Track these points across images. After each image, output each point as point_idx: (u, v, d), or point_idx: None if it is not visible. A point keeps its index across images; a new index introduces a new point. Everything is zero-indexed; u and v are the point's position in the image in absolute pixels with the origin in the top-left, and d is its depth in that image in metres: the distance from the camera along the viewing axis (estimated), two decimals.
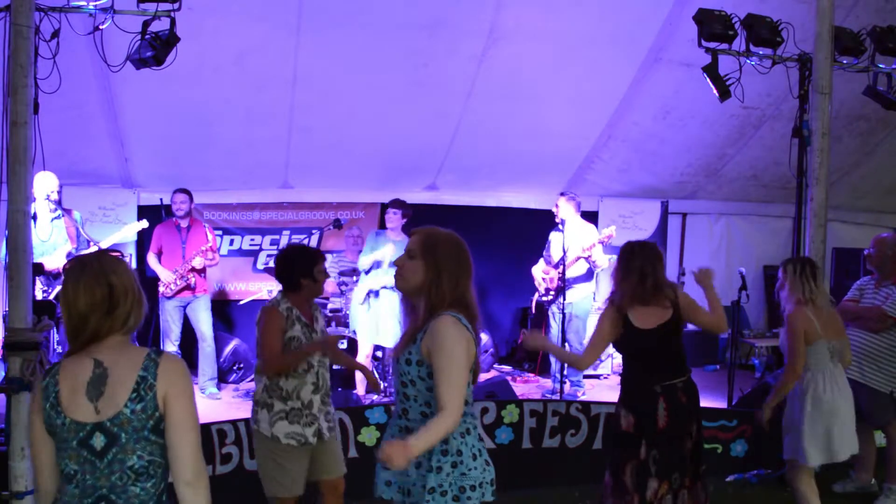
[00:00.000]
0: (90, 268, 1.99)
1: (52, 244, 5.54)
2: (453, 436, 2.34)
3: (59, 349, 5.57)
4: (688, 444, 3.40)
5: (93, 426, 1.93)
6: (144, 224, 6.27)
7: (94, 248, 5.57)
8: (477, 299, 2.48)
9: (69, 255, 5.52)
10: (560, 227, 6.39)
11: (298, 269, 3.43)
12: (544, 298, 6.68)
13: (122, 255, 6.04)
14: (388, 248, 6.09)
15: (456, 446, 2.35)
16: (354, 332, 6.36)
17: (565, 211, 6.39)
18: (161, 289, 6.30)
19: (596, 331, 3.50)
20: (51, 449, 1.98)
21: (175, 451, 1.96)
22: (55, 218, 5.58)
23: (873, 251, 4.61)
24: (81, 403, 1.93)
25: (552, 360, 6.71)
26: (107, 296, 1.96)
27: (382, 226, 7.61)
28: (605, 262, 6.46)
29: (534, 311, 7.52)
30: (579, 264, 6.45)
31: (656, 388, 3.37)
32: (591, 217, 7.83)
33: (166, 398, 1.95)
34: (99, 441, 1.92)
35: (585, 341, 6.72)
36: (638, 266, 3.40)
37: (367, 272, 6.23)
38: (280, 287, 3.51)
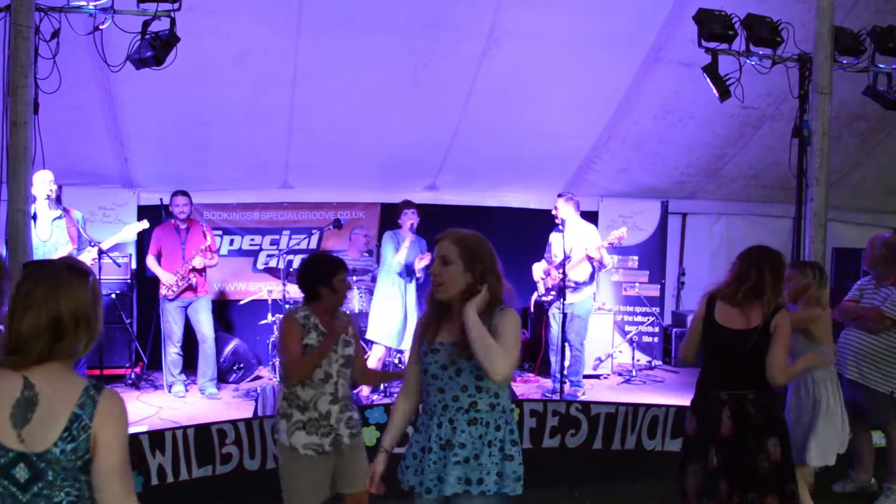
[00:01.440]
0: (42, 288, 1.77)
1: (52, 244, 5.54)
2: (515, 427, 2.55)
3: None
4: (763, 463, 3.24)
5: (16, 455, 1.73)
6: (145, 224, 6.28)
7: (94, 249, 5.58)
8: (511, 291, 2.62)
9: (70, 255, 5.52)
10: (560, 227, 6.39)
11: (317, 278, 3.38)
12: (544, 298, 6.68)
13: (96, 261, 5.94)
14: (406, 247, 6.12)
15: (517, 436, 2.55)
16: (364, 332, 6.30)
17: (565, 211, 6.38)
18: (163, 291, 6.30)
19: (692, 323, 3.50)
20: None
21: (102, 499, 1.78)
22: (56, 218, 5.58)
23: (867, 251, 4.63)
24: (3, 426, 1.72)
25: (552, 359, 6.71)
26: (53, 325, 1.75)
27: (382, 226, 7.62)
28: (610, 261, 6.48)
29: (532, 310, 7.52)
30: (583, 266, 6.45)
31: (722, 395, 3.30)
32: (591, 217, 7.83)
33: (99, 441, 1.76)
34: (22, 473, 1.73)
35: (587, 341, 6.80)
36: (744, 267, 3.39)
37: (400, 274, 6.23)
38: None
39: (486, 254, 2.55)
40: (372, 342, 6.28)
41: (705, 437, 3.30)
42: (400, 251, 6.14)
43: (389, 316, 6.19)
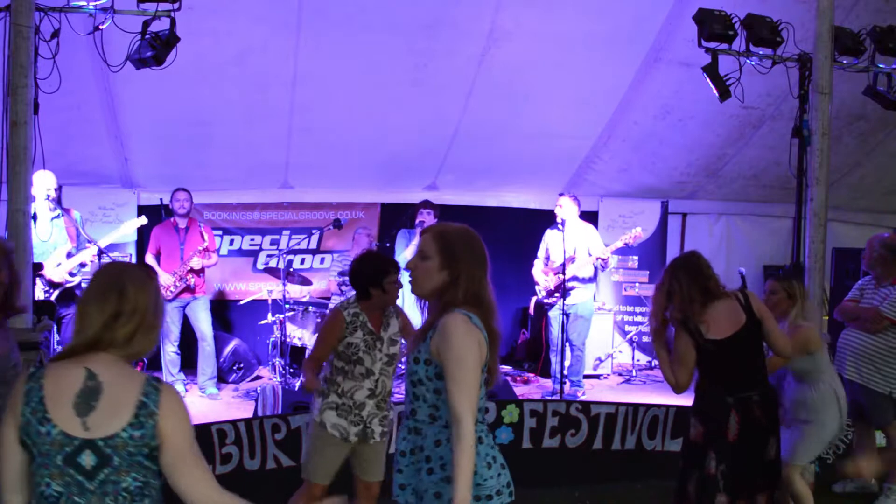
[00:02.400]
0: (111, 271, 1.94)
1: (52, 244, 5.54)
2: None
3: (60, 349, 5.57)
4: (760, 465, 3.28)
5: (82, 442, 1.78)
6: (143, 220, 6.26)
7: (93, 248, 5.58)
8: (493, 298, 2.36)
9: (69, 254, 5.52)
10: (559, 226, 6.39)
11: (367, 278, 3.42)
12: (547, 300, 6.66)
13: (125, 257, 6.05)
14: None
15: None
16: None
17: (568, 211, 6.38)
18: (162, 291, 6.29)
19: (677, 363, 3.33)
20: (20, 461, 1.80)
21: (184, 487, 1.85)
22: (55, 217, 5.58)
23: (866, 251, 4.63)
24: (67, 415, 1.78)
25: (552, 360, 6.71)
26: (116, 306, 1.84)
27: (382, 226, 7.63)
28: (613, 261, 6.53)
29: (532, 311, 7.52)
30: (588, 266, 6.45)
31: (728, 399, 3.26)
32: (591, 217, 7.83)
33: (166, 432, 1.83)
34: (89, 460, 1.78)
35: (587, 341, 6.80)
36: (675, 282, 3.39)
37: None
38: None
39: (467, 252, 2.32)
40: None
41: (709, 443, 3.26)
42: (409, 248, 6.17)
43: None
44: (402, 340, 3.56)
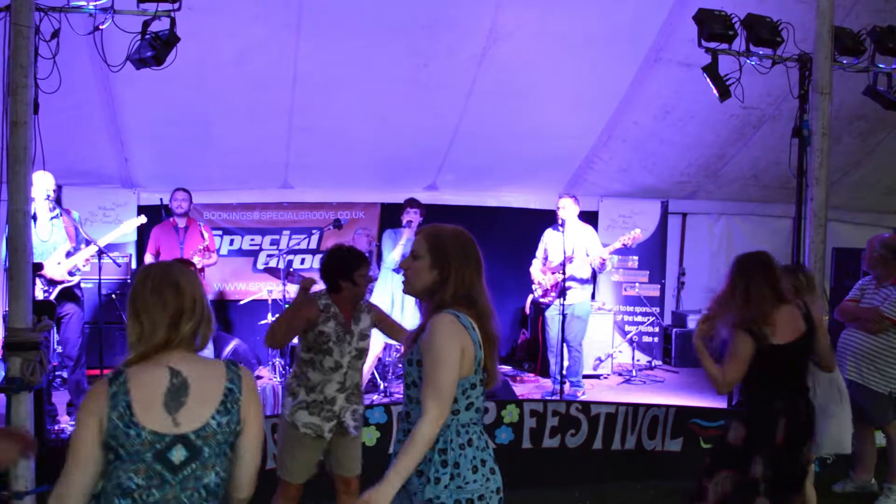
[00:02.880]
0: (159, 271, 1.95)
1: (51, 244, 5.53)
2: (451, 447, 2.25)
3: (60, 349, 5.57)
4: (798, 468, 3.29)
5: (173, 438, 1.83)
6: (143, 219, 6.25)
7: (93, 248, 5.57)
8: (488, 299, 2.37)
9: (68, 253, 5.52)
10: (560, 227, 6.39)
11: (338, 272, 3.46)
12: (543, 300, 6.67)
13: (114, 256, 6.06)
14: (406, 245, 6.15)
15: (454, 458, 2.25)
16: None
17: (570, 212, 6.38)
18: None
19: (732, 361, 3.21)
20: (96, 469, 1.82)
21: (244, 472, 1.93)
22: (54, 217, 5.57)
23: (866, 251, 4.63)
24: (158, 414, 1.82)
25: (551, 360, 6.71)
26: (177, 305, 1.89)
27: (382, 226, 7.62)
28: (610, 263, 6.53)
29: (528, 310, 7.53)
30: (586, 266, 6.45)
31: (778, 403, 3.23)
32: (591, 217, 7.84)
33: (247, 415, 1.91)
34: (179, 454, 1.83)
35: (587, 342, 6.80)
36: (759, 281, 3.25)
37: (396, 270, 6.22)
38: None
39: (458, 253, 2.32)
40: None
41: (752, 447, 3.20)
42: (396, 248, 6.13)
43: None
44: (368, 336, 3.55)
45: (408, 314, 6.11)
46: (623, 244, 6.47)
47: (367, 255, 3.70)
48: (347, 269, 3.45)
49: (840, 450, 3.76)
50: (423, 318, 2.37)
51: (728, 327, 3.25)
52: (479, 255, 2.39)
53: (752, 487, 3.17)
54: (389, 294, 6.24)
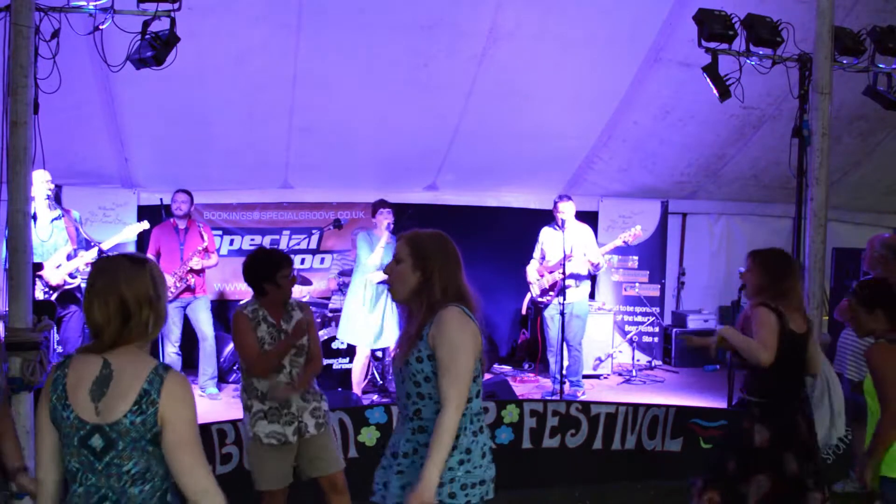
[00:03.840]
0: (103, 279, 1.99)
1: (52, 245, 5.54)
2: (465, 433, 2.33)
3: (60, 349, 5.57)
4: (819, 460, 3.36)
5: (92, 427, 1.93)
6: (145, 225, 6.27)
7: (94, 250, 5.58)
8: (475, 292, 2.47)
9: (69, 256, 5.53)
10: (559, 226, 6.42)
11: (261, 274, 3.46)
12: (541, 299, 6.67)
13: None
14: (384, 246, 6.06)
15: (466, 444, 2.34)
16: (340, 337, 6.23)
17: (570, 213, 6.39)
18: None
19: (766, 330, 3.20)
20: (53, 441, 1.99)
21: (175, 471, 1.96)
22: (55, 219, 5.58)
23: (866, 251, 4.63)
24: (83, 401, 1.94)
25: (551, 360, 6.71)
26: (120, 308, 1.96)
27: None
28: (605, 263, 6.53)
29: (525, 311, 7.54)
30: (584, 264, 6.46)
31: (794, 402, 3.30)
32: (591, 217, 7.84)
33: (166, 417, 1.94)
34: (97, 442, 1.93)
35: (587, 341, 6.80)
36: (792, 272, 3.37)
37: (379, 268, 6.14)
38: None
39: (439, 252, 2.43)
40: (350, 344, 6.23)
41: (780, 446, 3.20)
42: (374, 252, 5.96)
43: (362, 318, 6.01)
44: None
45: (388, 318, 6.02)
46: (624, 241, 6.47)
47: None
48: (269, 272, 3.44)
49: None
50: (406, 322, 2.46)
51: (752, 308, 3.30)
52: (458, 253, 2.49)
53: (799, 484, 3.18)
54: (372, 301, 6.03)
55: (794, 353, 3.30)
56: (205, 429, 4.18)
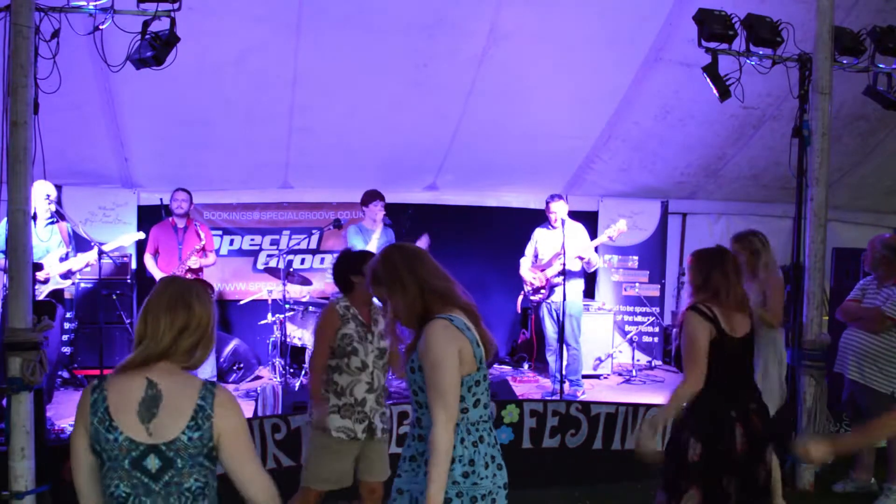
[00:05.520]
0: (175, 289, 2.02)
1: (49, 245, 5.54)
2: (464, 445, 2.29)
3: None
4: (762, 473, 3.13)
5: (147, 447, 1.91)
6: (141, 235, 6.34)
7: (94, 251, 5.58)
8: (465, 292, 2.41)
9: (62, 259, 5.53)
10: (550, 226, 6.45)
11: (350, 268, 3.50)
12: (534, 297, 6.67)
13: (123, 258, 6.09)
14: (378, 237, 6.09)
15: (468, 455, 2.29)
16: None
17: (562, 212, 6.40)
18: None
19: (693, 346, 3.09)
20: (91, 467, 1.96)
21: (241, 481, 1.98)
22: (50, 223, 5.57)
23: (867, 252, 4.63)
24: (132, 422, 1.91)
25: (550, 360, 6.71)
26: (184, 322, 1.97)
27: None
28: (599, 261, 6.53)
29: (519, 309, 7.55)
30: (574, 262, 6.46)
31: (732, 412, 3.08)
32: (591, 217, 7.84)
33: (222, 430, 1.96)
34: (153, 463, 1.91)
35: (586, 340, 6.80)
36: (725, 270, 3.17)
37: None
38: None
39: (407, 263, 2.38)
40: None
41: (715, 463, 3.08)
42: (370, 244, 6.03)
43: None
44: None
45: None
46: (609, 237, 6.48)
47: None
48: (356, 264, 3.49)
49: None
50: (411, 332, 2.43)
51: (683, 312, 3.18)
52: (432, 259, 2.45)
53: (722, 501, 3.07)
54: None
55: (731, 361, 3.12)
56: None
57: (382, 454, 3.60)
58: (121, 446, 1.90)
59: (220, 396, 1.98)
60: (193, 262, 6.27)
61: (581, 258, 6.40)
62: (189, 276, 6.27)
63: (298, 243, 7.46)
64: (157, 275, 6.26)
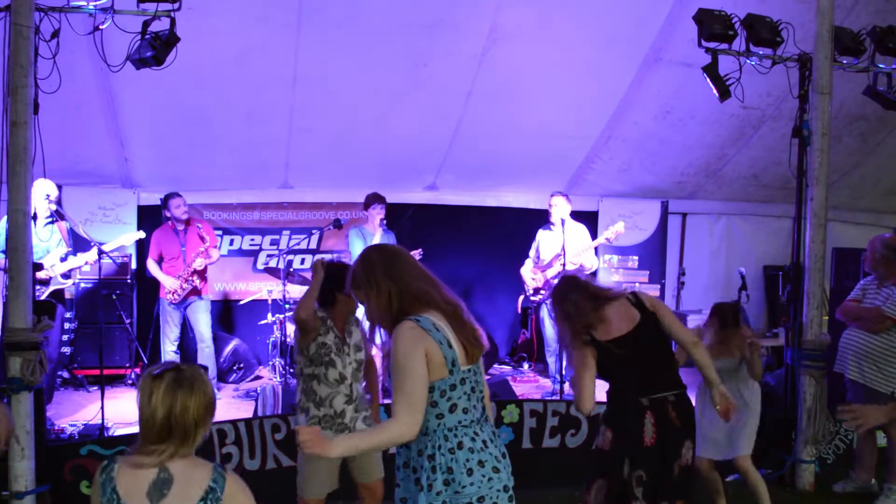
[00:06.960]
0: (199, 381, 2.01)
1: (49, 245, 5.54)
2: (440, 452, 2.25)
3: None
4: (676, 468, 3.07)
5: None
6: (141, 234, 6.35)
7: (94, 250, 5.59)
8: (448, 292, 2.38)
9: (62, 258, 5.54)
10: (552, 226, 6.44)
11: (335, 284, 3.45)
12: (534, 298, 6.68)
13: (123, 258, 6.10)
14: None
15: (445, 463, 2.24)
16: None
17: (564, 209, 6.39)
18: (169, 297, 6.29)
19: (578, 371, 3.16)
20: None
21: None
22: (49, 222, 5.58)
23: (868, 252, 4.64)
24: (141, 502, 1.93)
25: (550, 360, 6.71)
26: (183, 426, 1.96)
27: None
28: (596, 263, 6.54)
29: (519, 310, 7.56)
30: (578, 262, 6.47)
31: (643, 400, 3.07)
32: (591, 217, 7.84)
33: None
34: None
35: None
36: (571, 299, 3.20)
37: None
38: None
39: (383, 264, 2.37)
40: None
41: (621, 450, 3.08)
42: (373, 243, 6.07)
43: (360, 315, 6.08)
44: (363, 348, 3.57)
45: None
46: (606, 239, 6.47)
47: None
48: (340, 282, 3.40)
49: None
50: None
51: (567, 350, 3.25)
52: (412, 260, 2.43)
53: (625, 490, 3.05)
54: None
55: (627, 358, 3.11)
56: None
57: (371, 456, 3.58)
58: None
59: (231, 481, 2.02)
60: (199, 263, 6.27)
61: (573, 264, 6.41)
62: (195, 277, 6.28)
63: (298, 243, 7.46)
64: (167, 282, 6.25)
